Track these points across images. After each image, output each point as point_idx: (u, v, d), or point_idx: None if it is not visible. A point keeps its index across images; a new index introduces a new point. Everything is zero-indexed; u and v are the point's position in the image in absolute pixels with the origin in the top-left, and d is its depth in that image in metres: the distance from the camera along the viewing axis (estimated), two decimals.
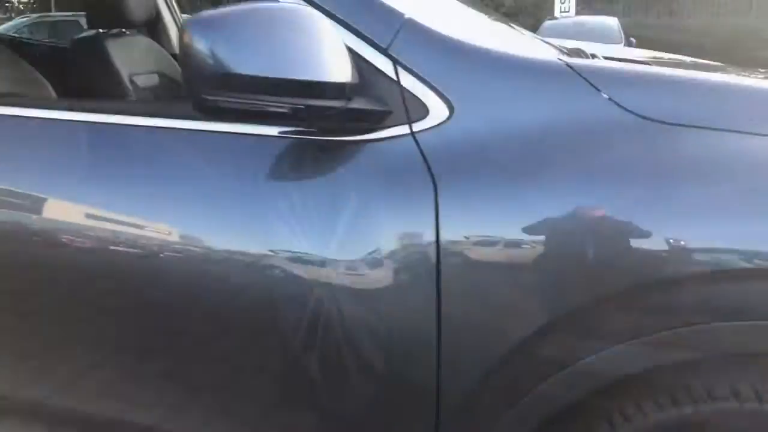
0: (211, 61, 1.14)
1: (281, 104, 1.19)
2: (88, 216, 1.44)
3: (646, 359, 1.20)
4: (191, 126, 1.41)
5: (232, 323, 1.37)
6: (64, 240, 1.45)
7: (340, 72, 1.21)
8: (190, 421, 1.49)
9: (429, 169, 1.25)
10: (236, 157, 1.38)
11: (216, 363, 1.42)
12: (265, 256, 1.31)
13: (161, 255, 1.38)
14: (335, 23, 1.27)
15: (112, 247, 1.40)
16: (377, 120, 1.29)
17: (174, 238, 1.39)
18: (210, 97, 1.17)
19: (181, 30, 1.20)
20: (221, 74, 1.15)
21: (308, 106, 1.19)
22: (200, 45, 1.15)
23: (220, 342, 1.40)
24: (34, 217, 1.48)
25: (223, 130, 1.38)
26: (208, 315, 1.37)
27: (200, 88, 1.17)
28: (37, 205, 1.48)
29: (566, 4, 15.21)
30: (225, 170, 1.38)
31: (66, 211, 1.47)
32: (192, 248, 1.38)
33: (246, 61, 1.16)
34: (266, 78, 1.16)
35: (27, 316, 1.54)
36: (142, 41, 2.74)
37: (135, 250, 1.38)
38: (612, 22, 11.51)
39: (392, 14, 1.32)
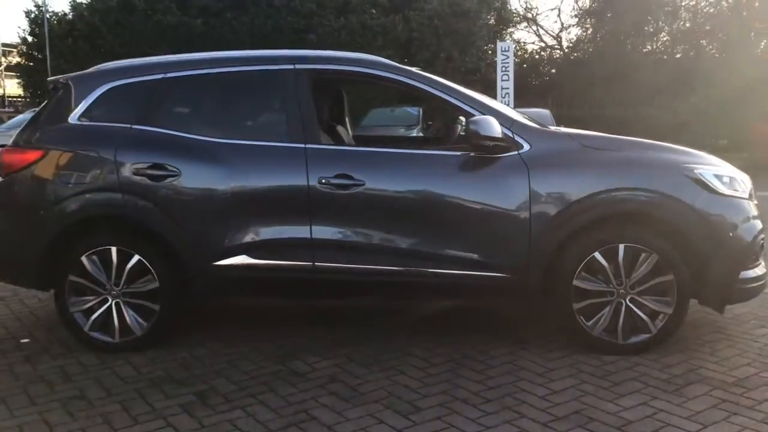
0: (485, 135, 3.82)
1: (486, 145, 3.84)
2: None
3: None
4: (438, 152, 4.03)
5: (437, 224, 3.96)
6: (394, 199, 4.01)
7: (498, 133, 3.86)
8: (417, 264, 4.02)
9: (525, 164, 3.90)
10: (454, 160, 3.99)
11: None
12: (468, 203, 3.92)
13: (418, 199, 3.98)
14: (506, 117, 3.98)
15: (411, 198, 3.98)
16: (506, 150, 3.94)
17: (425, 196, 3.98)
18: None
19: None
20: (485, 136, 3.81)
21: (491, 146, 3.85)
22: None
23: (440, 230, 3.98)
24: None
25: (450, 153, 4.01)
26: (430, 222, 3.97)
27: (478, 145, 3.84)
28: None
29: (506, 99, 18.59)
30: (450, 164, 3.99)
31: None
32: (431, 198, 3.97)
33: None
34: (486, 135, 3.80)
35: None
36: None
37: (414, 200, 3.96)
38: (546, 112, 14.61)
39: (510, 119, 4.01)
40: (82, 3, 25.00)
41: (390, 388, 3.60)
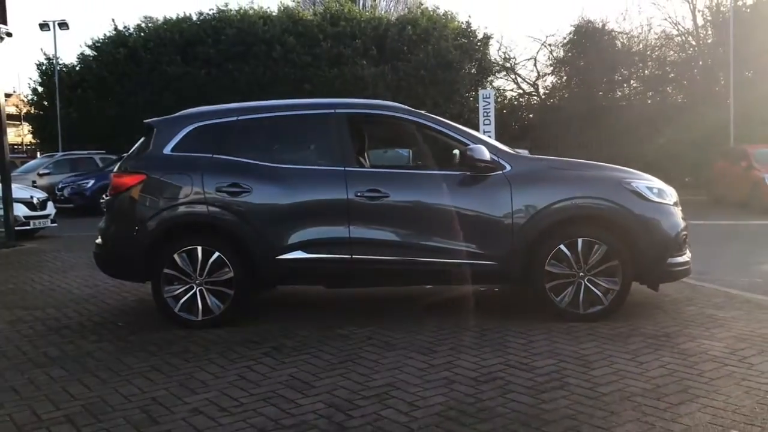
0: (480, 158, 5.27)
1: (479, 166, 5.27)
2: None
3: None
4: (444, 172, 5.47)
5: (444, 226, 5.36)
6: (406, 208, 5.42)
7: (488, 158, 5.29)
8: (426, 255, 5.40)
9: (509, 181, 5.33)
10: (455, 177, 5.42)
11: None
12: (466, 209, 5.33)
13: (428, 204, 5.39)
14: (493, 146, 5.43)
15: (423, 205, 5.39)
16: (494, 170, 5.37)
17: (435, 204, 5.41)
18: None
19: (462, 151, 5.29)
20: (478, 159, 5.24)
21: (482, 166, 5.28)
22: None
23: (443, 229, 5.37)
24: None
25: (452, 173, 5.44)
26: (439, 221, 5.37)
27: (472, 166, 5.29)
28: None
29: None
30: (452, 180, 5.42)
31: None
32: (439, 206, 5.38)
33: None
34: (479, 159, 5.24)
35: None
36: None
37: (426, 207, 5.37)
38: (525, 152, 16.24)
39: (496, 148, 5.45)
40: (89, 56, 26.55)
41: (412, 341, 4.94)
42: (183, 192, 5.54)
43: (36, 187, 17.46)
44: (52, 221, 13.37)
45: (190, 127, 5.74)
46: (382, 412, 3.62)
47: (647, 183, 5.51)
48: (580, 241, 5.31)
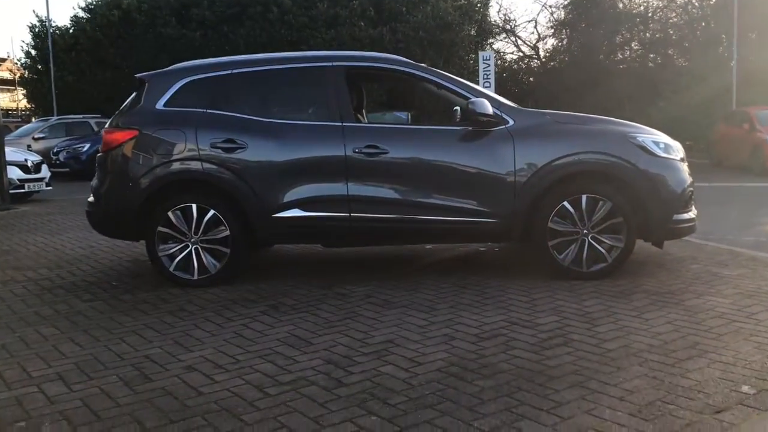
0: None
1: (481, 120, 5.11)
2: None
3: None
4: (444, 127, 5.31)
5: (445, 183, 5.21)
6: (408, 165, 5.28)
7: (490, 111, 5.13)
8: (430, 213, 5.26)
9: (512, 136, 5.17)
10: (456, 133, 5.27)
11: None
12: (467, 166, 5.18)
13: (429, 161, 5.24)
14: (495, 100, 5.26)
15: (424, 162, 5.24)
16: (496, 124, 5.21)
17: (435, 160, 5.26)
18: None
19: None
20: (480, 113, 5.07)
21: (484, 121, 5.12)
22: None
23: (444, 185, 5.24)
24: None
25: (453, 128, 5.28)
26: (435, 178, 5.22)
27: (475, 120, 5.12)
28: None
29: None
30: (454, 136, 5.26)
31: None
32: (439, 163, 5.23)
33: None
34: (481, 113, 5.07)
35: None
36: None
37: (427, 164, 5.23)
38: None
39: (498, 102, 5.28)
40: (83, 18, 26.12)
41: (412, 300, 4.84)
42: (176, 148, 5.38)
43: (31, 151, 17.30)
44: (47, 184, 13.22)
45: (184, 81, 5.56)
46: (382, 369, 3.52)
47: (653, 137, 5.36)
48: (584, 197, 5.17)
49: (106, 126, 5.79)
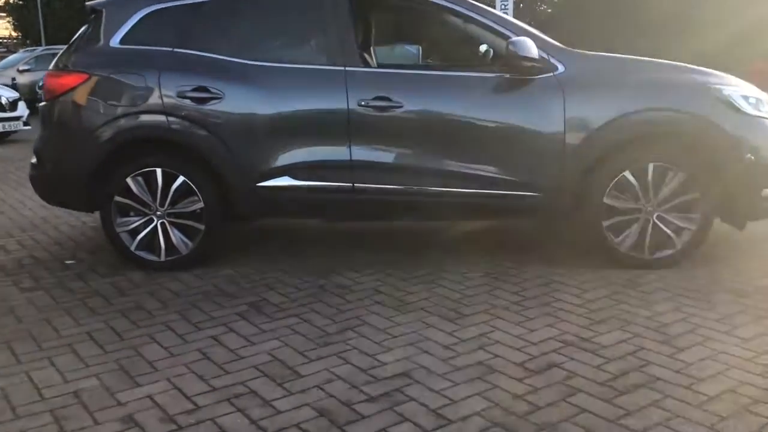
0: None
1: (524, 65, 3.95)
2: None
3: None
4: (474, 74, 4.15)
5: (474, 146, 4.10)
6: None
7: (535, 54, 3.96)
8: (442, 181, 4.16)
9: (561, 86, 4.02)
10: (489, 81, 4.11)
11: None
12: (503, 124, 4.05)
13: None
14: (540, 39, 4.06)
15: (447, 119, 4.11)
16: (541, 71, 4.05)
17: (462, 117, 4.11)
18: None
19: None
20: (523, 57, 3.90)
21: (528, 66, 3.96)
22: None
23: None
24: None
25: (486, 75, 4.12)
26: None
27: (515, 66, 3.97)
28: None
29: None
30: (486, 86, 4.11)
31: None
32: (468, 120, 4.09)
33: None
34: (524, 56, 3.90)
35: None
36: None
37: (451, 121, 4.09)
38: None
39: (544, 41, 4.09)
40: None
41: (431, 298, 3.80)
42: (135, 98, 4.26)
43: (16, 84, 16.06)
44: (25, 123, 12.09)
45: (145, 11, 4.38)
46: (395, 430, 2.50)
47: (742, 90, 4.20)
48: (650, 166, 4.06)
49: (50, 67, 4.64)
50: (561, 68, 4.08)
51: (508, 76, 4.11)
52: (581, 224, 4.28)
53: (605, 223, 4.16)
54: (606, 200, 4.12)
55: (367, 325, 3.45)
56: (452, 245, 4.84)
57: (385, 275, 4.18)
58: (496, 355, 3.07)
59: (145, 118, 4.24)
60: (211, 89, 4.17)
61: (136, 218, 4.34)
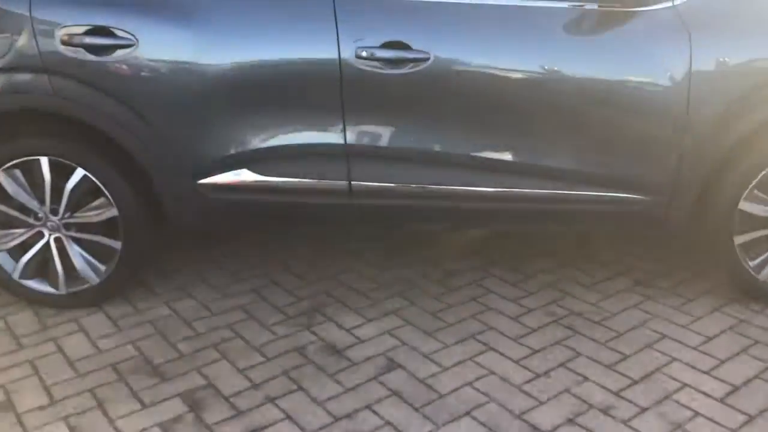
0: None
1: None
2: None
3: None
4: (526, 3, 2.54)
5: (540, 121, 2.56)
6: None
7: None
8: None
9: (684, 23, 2.43)
10: (566, 16, 2.52)
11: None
12: (588, 86, 2.49)
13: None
14: None
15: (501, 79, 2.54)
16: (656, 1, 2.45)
17: (522, 75, 2.55)
18: None
19: None
20: None
21: None
22: None
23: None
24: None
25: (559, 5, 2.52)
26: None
27: None
28: None
29: None
30: (560, 23, 2.52)
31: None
32: (532, 79, 2.54)
33: None
34: None
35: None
36: None
37: (506, 82, 2.54)
38: None
39: None
40: None
41: (478, 370, 2.37)
42: None
43: None
44: None
45: None
46: None
47: None
48: None
49: None
50: None
51: (597, 6, 2.52)
52: (702, 239, 2.79)
53: (738, 240, 2.69)
54: (742, 205, 2.64)
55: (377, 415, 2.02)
56: (488, 258, 3.35)
57: (398, 315, 2.73)
58: None
59: (14, 78, 2.64)
60: (116, 31, 2.55)
61: (14, 232, 2.82)
